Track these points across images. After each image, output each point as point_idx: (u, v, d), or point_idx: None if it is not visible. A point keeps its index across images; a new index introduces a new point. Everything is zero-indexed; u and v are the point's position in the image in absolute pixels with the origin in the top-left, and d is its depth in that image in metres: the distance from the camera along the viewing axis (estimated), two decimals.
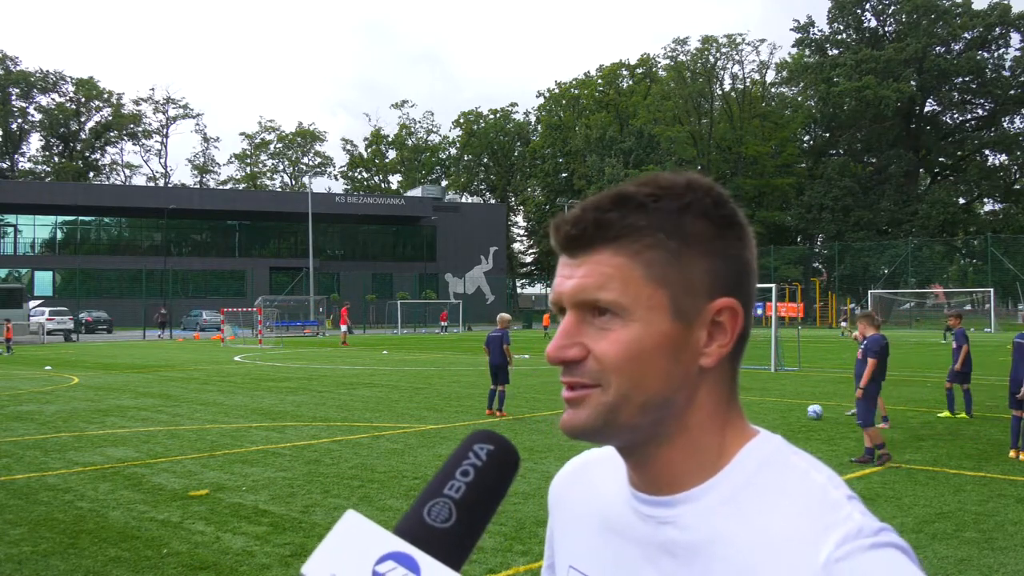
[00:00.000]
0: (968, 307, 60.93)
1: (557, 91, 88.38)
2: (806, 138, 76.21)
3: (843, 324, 43.10)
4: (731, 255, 0.85)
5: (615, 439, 0.86)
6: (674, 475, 0.85)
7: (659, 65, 79.92)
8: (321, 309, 52.19)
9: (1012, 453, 9.26)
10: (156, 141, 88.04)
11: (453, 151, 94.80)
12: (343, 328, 37.36)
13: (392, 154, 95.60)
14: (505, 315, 14.22)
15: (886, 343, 9.42)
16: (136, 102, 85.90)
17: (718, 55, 72.43)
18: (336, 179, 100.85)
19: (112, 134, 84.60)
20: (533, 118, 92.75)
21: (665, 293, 0.82)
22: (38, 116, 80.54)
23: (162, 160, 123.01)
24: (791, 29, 73.65)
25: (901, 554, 0.75)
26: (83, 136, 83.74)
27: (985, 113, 68.90)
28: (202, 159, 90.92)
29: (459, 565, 0.70)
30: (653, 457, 0.86)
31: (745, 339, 0.87)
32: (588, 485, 0.98)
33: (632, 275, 0.82)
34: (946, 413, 12.66)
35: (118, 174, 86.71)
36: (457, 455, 0.77)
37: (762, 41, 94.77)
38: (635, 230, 0.83)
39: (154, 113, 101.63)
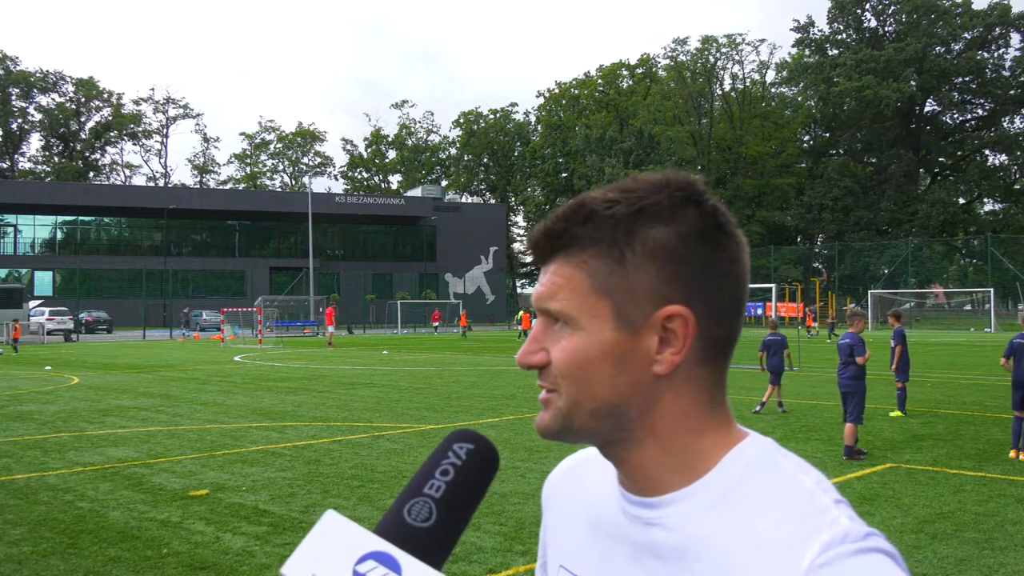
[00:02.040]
0: (968, 307, 60.96)
1: (557, 91, 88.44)
2: (806, 138, 76.22)
3: (813, 325, 42.94)
4: (691, 258, 0.83)
5: (580, 441, 0.87)
6: (653, 477, 0.85)
7: (659, 65, 80.00)
8: (321, 309, 52.17)
9: (1012, 453, 9.25)
10: (156, 141, 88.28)
11: (453, 151, 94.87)
12: (330, 329, 37.27)
13: (392, 154, 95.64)
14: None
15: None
16: (136, 102, 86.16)
17: (718, 55, 72.46)
18: (336, 179, 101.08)
19: (112, 134, 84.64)
20: (533, 118, 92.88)
21: (608, 302, 0.83)
22: (38, 116, 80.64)
23: (162, 160, 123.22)
24: (791, 29, 73.73)
25: (888, 559, 0.73)
26: (83, 136, 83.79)
27: (985, 113, 68.88)
28: (202, 159, 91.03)
29: (440, 564, 0.70)
30: (626, 459, 0.87)
31: (721, 344, 0.85)
32: (580, 484, 0.98)
33: (578, 285, 0.83)
34: (897, 413, 12.76)
35: (118, 174, 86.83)
36: (437, 454, 0.77)
37: (762, 41, 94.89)
38: (581, 239, 0.84)
39: (154, 113, 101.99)
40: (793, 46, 74.28)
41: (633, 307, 0.82)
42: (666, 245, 0.82)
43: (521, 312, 42.43)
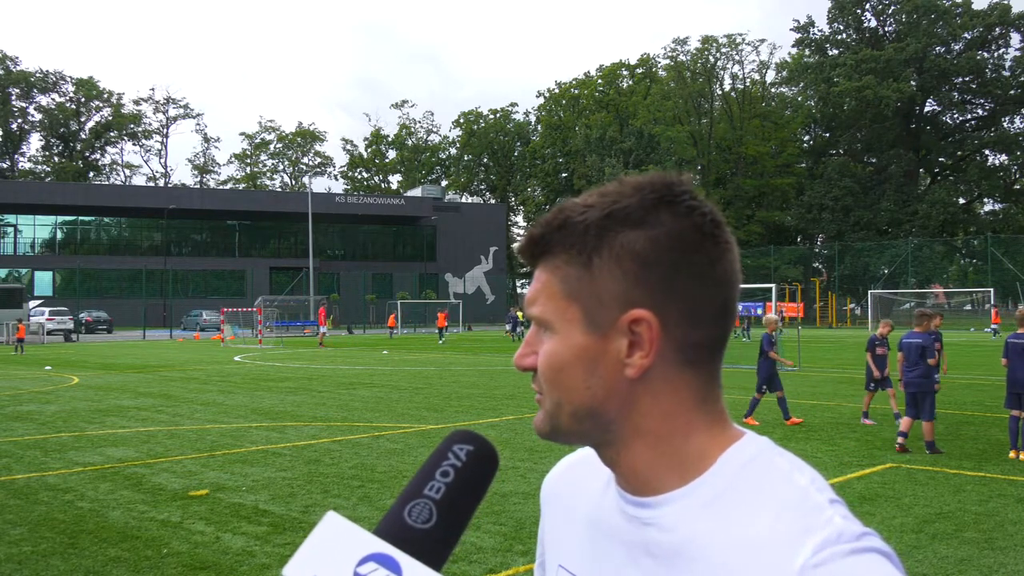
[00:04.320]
0: (968, 307, 60.95)
1: (557, 91, 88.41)
2: (806, 138, 76.24)
3: (740, 326, 42.93)
4: (660, 261, 0.82)
5: (570, 442, 0.89)
6: (646, 478, 0.85)
7: (659, 65, 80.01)
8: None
9: (1012, 454, 9.25)
10: (156, 141, 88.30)
11: (453, 151, 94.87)
12: (321, 329, 37.18)
13: (392, 154, 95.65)
14: (771, 316, 13.17)
15: (872, 339, 12.27)
16: (136, 102, 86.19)
17: (718, 55, 72.48)
18: (336, 179, 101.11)
19: (112, 134, 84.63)
20: (533, 118, 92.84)
21: (578, 307, 0.84)
22: (38, 116, 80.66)
23: (162, 160, 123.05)
24: (791, 29, 73.81)
25: (883, 559, 0.73)
26: (83, 136, 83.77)
27: (985, 113, 68.88)
28: (202, 159, 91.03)
29: (440, 565, 0.70)
30: (618, 461, 0.87)
31: (705, 346, 0.85)
32: (578, 484, 0.98)
33: (553, 291, 0.86)
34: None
35: (118, 174, 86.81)
36: (436, 456, 0.77)
37: (762, 41, 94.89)
38: (555, 246, 0.86)
39: (154, 113, 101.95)
40: (793, 46, 74.46)
41: (601, 311, 0.83)
42: (633, 249, 0.82)
43: (439, 312, 42.26)
